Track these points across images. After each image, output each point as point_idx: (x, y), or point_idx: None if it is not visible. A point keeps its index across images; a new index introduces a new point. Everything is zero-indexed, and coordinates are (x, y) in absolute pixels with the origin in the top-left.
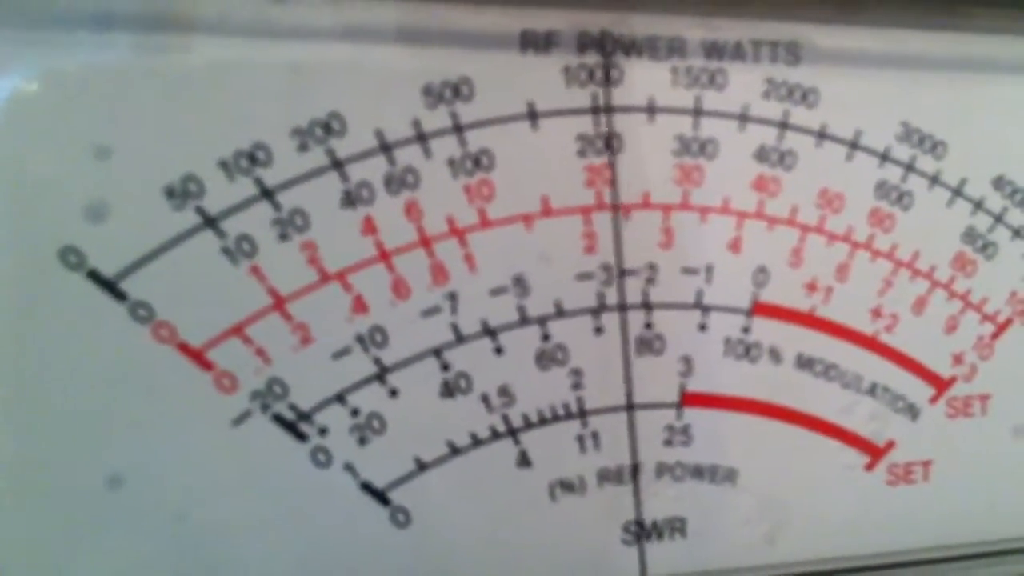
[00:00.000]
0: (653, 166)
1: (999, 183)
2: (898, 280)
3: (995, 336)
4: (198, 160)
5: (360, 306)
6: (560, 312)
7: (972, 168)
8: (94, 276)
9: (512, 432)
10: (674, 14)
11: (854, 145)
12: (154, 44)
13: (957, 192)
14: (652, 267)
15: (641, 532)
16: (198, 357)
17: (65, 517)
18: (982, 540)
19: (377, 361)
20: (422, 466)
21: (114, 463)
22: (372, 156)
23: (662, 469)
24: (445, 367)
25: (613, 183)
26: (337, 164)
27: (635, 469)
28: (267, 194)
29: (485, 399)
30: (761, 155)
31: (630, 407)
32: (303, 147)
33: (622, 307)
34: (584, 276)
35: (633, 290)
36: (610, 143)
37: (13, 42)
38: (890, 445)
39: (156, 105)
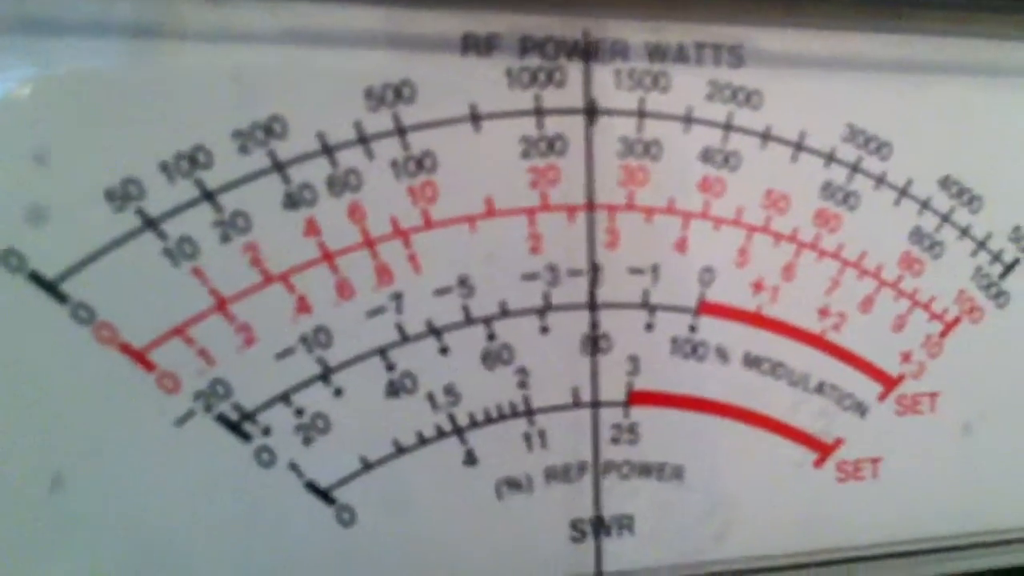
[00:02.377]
0: (598, 167)
1: (945, 183)
2: (845, 279)
3: (943, 334)
4: (138, 163)
5: (304, 306)
6: (505, 312)
7: (918, 168)
8: (35, 278)
9: (458, 431)
10: (617, 17)
11: (799, 146)
12: (91, 49)
13: (903, 192)
14: (597, 267)
15: (589, 529)
16: (140, 358)
17: (8, 519)
18: (931, 536)
19: (321, 361)
20: (367, 465)
21: (57, 464)
22: (314, 158)
23: (609, 467)
24: (390, 367)
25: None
26: (279, 166)
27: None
28: (208, 196)
29: (431, 398)
30: (706, 156)
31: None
32: (244, 149)
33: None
34: (529, 276)
35: (579, 290)
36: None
37: None
38: (839, 442)
39: (95, 109)
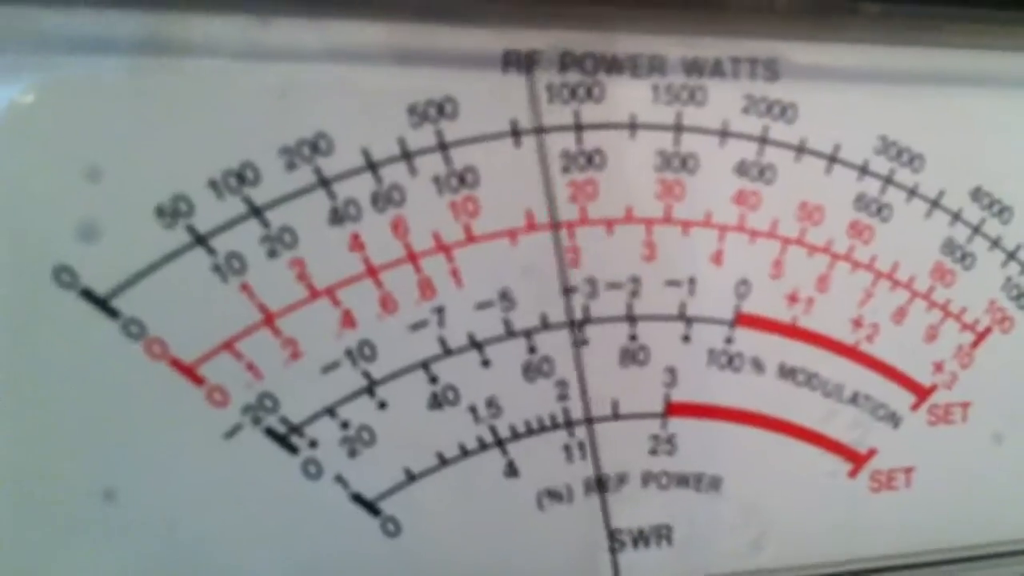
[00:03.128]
0: (635, 181)
1: (977, 194)
2: (878, 290)
3: (975, 345)
4: (188, 180)
5: (349, 321)
6: (545, 325)
7: (950, 180)
8: (87, 294)
9: (499, 443)
10: (654, 33)
11: (833, 159)
12: (143, 66)
13: (935, 204)
14: (635, 280)
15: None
16: (190, 372)
17: (62, 529)
18: (964, 545)
19: (366, 374)
20: (411, 477)
21: (109, 476)
22: (359, 174)
23: (648, 478)
24: (433, 379)
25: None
26: (324, 182)
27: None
28: (256, 212)
29: (473, 410)
30: (741, 169)
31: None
32: (291, 166)
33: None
34: (569, 290)
35: (617, 302)
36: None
37: (7, 63)
38: (872, 452)
39: (146, 126)
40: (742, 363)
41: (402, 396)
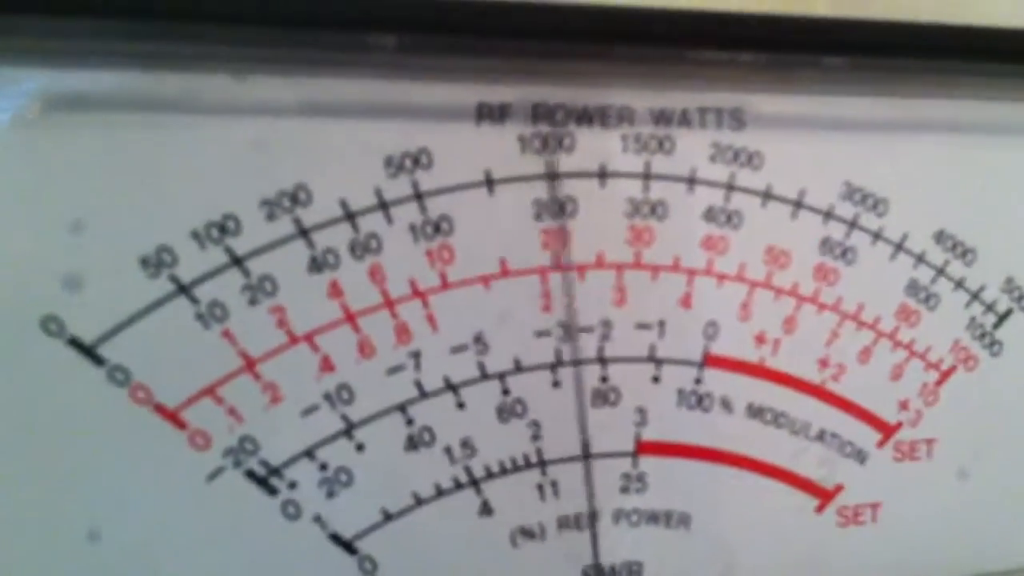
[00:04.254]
0: (606, 228)
1: (940, 237)
2: (844, 331)
3: (939, 383)
4: (171, 231)
5: (327, 365)
6: (519, 368)
7: (913, 224)
8: (74, 343)
9: (474, 482)
10: (623, 85)
11: (798, 204)
12: (124, 122)
13: (899, 247)
14: (607, 323)
15: None
16: (173, 417)
17: (47, 570)
18: None
19: (344, 417)
20: (388, 516)
21: (94, 518)
22: (337, 224)
23: (619, 515)
24: (409, 422)
25: (568, 245)
26: (304, 232)
27: (593, 516)
28: (237, 262)
29: (448, 451)
30: (709, 215)
31: (587, 456)
32: (271, 216)
33: (577, 362)
34: (542, 333)
35: (589, 345)
36: (564, 207)
37: None
38: (839, 488)
39: (128, 179)
40: (711, 403)
41: (379, 438)
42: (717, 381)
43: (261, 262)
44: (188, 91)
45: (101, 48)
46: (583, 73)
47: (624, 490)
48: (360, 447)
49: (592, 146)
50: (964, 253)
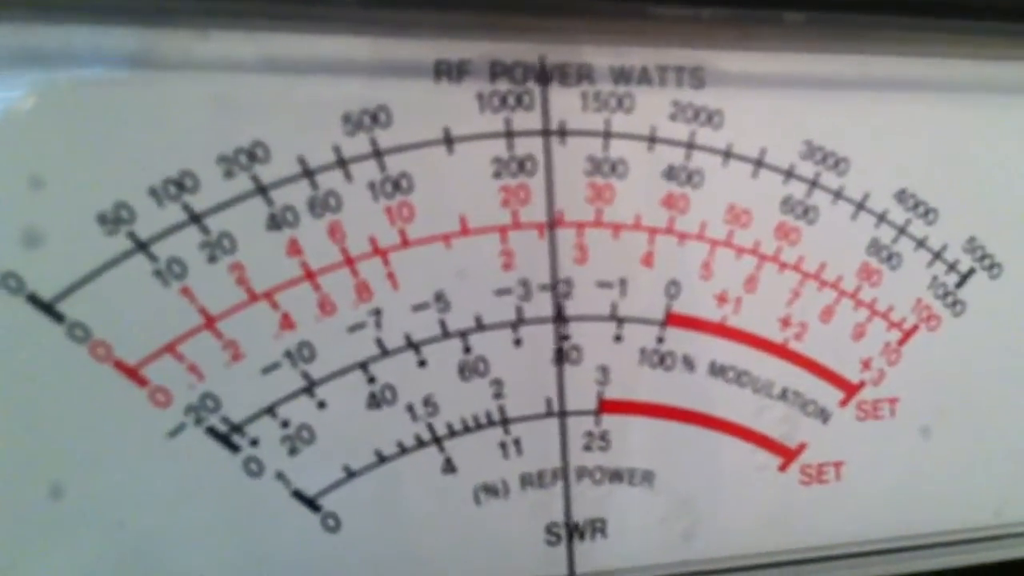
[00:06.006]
0: (566, 186)
1: (901, 196)
2: (806, 290)
3: (901, 342)
4: (129, 187)
5: (288, 323)
6: (480, 326)
7: (875, 183)
8: (33, 299)
9: (437, 440)
10: (582, 43)
11: (759, 163)
12: (83, 78)
13: (860, 206)
14: (568, 282)
15: (563, 533)
16: (133, 374)
17: (10, 526)
18: (892, 536)
19: (305, 375)
20: (351, 474)
21: (56, 475)
22: (295, 181)
23: (582, 472)
24: (371, 380)
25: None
26: (262, 189)
27: (556, 473)
28: (195, 219)
29: (410, 409)
30: (670, 174)
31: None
32: (229, 174)
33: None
34: (503, 291)
35: (549, 304)
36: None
37: None
38: (802, 447)
39: (86, 136)
40: (673, 361)
41: (341, 395)
42: (679, 340)
43: (219, 219)
44: (149, 46)
45: (62, 3)
46: (542, 30)
47: (587, 448)
48: (321, 404)
49: (552, 104)
50: (926, 212)
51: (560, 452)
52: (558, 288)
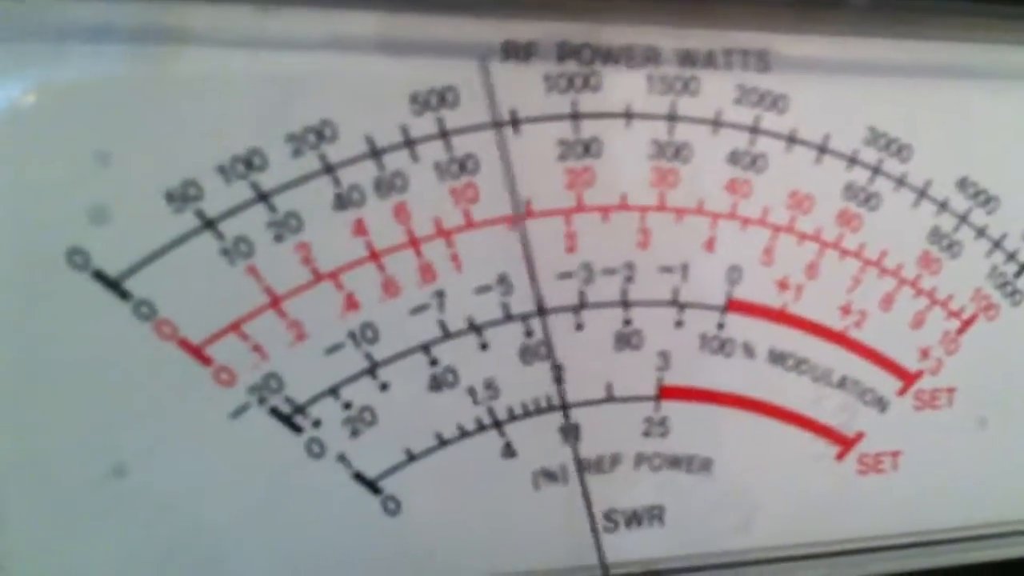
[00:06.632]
0: (630, 169)
1: (963, 184)
2: (866, 278)
3: (960, 331)
4: (197, 165)
5: (352, 304)
6: (542, 310)
7: (937, 170)
8: (99, 276)
9: (497, 424)
10: (649, 24)
11: (823, 149)
12: (150, 55)
13: (922, 193)
14: (630, 266)
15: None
16: (198, 353)
17: (73, 505)
18: (948, 527)
19: (368, 356)
20: (411, 456)
21: (120, 453)
22: (362, 161)
23: (641, 459)
24: (433, 362)
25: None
26: (329, 169)
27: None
28: (263, 197)
29: (471, 392)
30: (734, 159)
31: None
32: (297, 152)
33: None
34: (565, 275)
35: (612, 288)
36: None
37: (9, 54)
38: (860, 436)
39: (154, 113)
40: (733, 348)
41: (403, 378)
42: (739, 326)
43: (287, 198)
44: (214, 23)
45: None
46: (610, 12)
47: (647, 434)
48: (384, 386)
49: (618, 86)
50: (987, 201)
51: (620, 438)
52: (620, 272)
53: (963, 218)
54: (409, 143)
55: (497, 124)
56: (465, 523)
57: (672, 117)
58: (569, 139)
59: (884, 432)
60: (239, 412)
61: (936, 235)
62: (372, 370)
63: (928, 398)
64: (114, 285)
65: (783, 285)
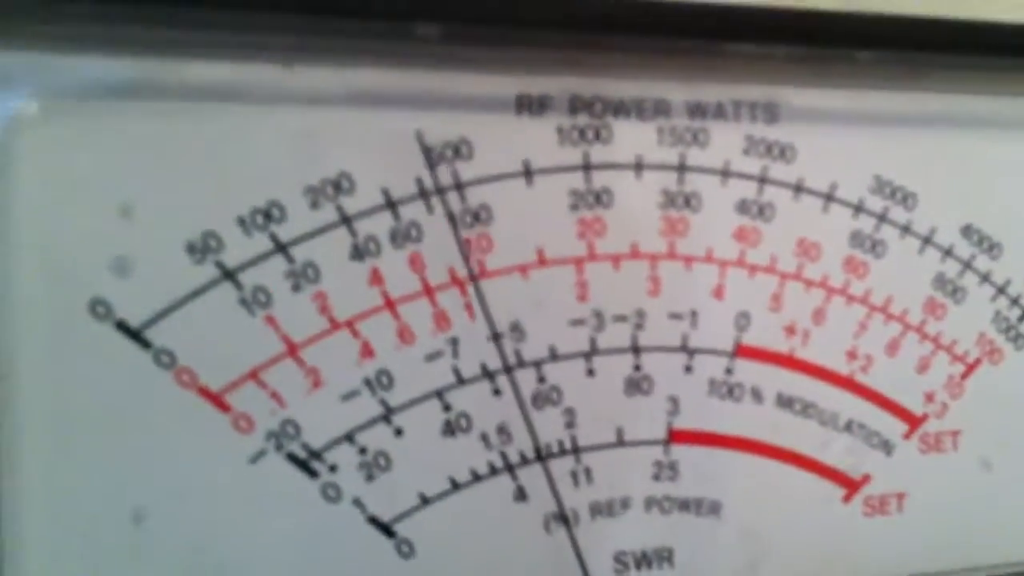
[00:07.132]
0: (641, 218)
1: (967, 231)
2: (872, 323)
3: (965, 376)
4: (217, 218)
5: (367, 351)
6: (554, 356)
7: (941, 218)
8: (121, 326)
9: (509, 468)
10: (659, 78)
11: (829, 197)
12: (173, 110)
13: (927, 240)
14: (640, 313)
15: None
16: (217, 400)
17: (92, 551)
18: (954, 568)
19: (383, 402)
20: (425, 500)
21: (139, 499)
22: (378, 212)
23: (651, 502)
24: (447, 407)
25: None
26: (346, 220)
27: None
28: (281, 248)
29: (484, 437)
30: (742, 208)
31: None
32: (315, 204)
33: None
34: (577, 322)
35: (622, 335)
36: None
37: (44, 105)
38: (866, 479)
39: (177, 167)
40: (742, 393)
41: (417, 423)
42: (748, 371)
43: (304, 249)
44: (238, 80)
45: (151, 35)
46: (621, 65)
47: (656, 477)
48: (399, 432)
49: (628, 138)
50: (991, 247)
51: (630, 481)
52: (630, 320)
53: (967, 264)
54: (424, 194)
55: (511, 176)
56: (479, 566)
57: (682, 167)
58: (581, 189)
59: (890, 475)
60: (257, 457)
61: (941, 281)
62: (387, 416)
63: (933, 441)
64: (136, 335)
65: (791, 331)
